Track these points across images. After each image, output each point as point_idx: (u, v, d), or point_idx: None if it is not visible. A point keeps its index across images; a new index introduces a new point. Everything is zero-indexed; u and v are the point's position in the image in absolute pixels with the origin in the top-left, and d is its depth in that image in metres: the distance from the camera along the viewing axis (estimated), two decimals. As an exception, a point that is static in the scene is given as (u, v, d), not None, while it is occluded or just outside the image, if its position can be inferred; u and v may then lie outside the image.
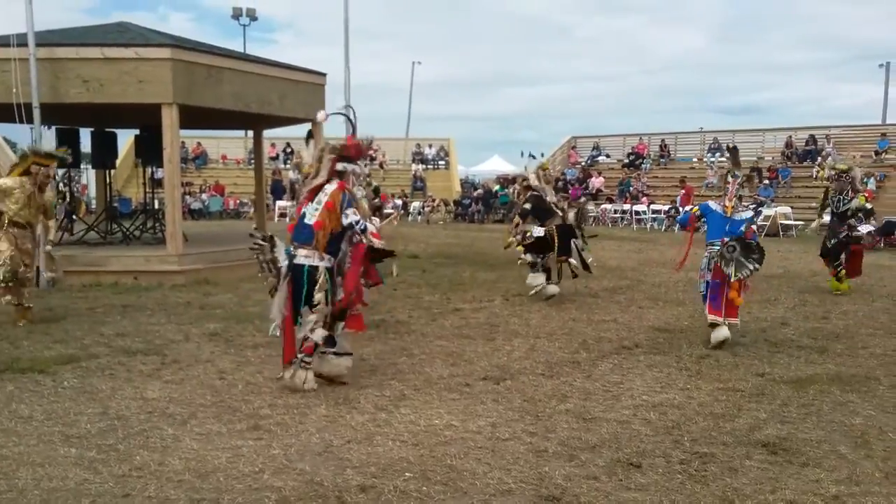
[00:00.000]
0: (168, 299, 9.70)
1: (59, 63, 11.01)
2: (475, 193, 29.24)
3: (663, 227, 24.04)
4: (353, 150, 6.05)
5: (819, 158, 25.99)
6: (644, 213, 25.14)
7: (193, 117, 12.95)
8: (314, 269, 5.70)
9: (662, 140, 30.84)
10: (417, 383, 5.99)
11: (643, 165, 29.88)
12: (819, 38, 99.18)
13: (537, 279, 9.95)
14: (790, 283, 11.21)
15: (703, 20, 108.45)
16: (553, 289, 9.83)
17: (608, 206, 26.81)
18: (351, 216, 5.66)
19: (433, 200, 28.97)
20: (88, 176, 27.18)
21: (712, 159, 28.76)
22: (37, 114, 10.73)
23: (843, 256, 10.51)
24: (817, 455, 4.58)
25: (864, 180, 22.41)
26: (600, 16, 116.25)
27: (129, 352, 6.91)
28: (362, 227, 5.73)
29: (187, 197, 26.81)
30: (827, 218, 11.07)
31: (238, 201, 29.46)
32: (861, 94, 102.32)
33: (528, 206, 9.93)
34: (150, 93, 11.05)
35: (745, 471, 4.33)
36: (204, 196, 29.34)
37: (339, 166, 5.90)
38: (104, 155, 15.04)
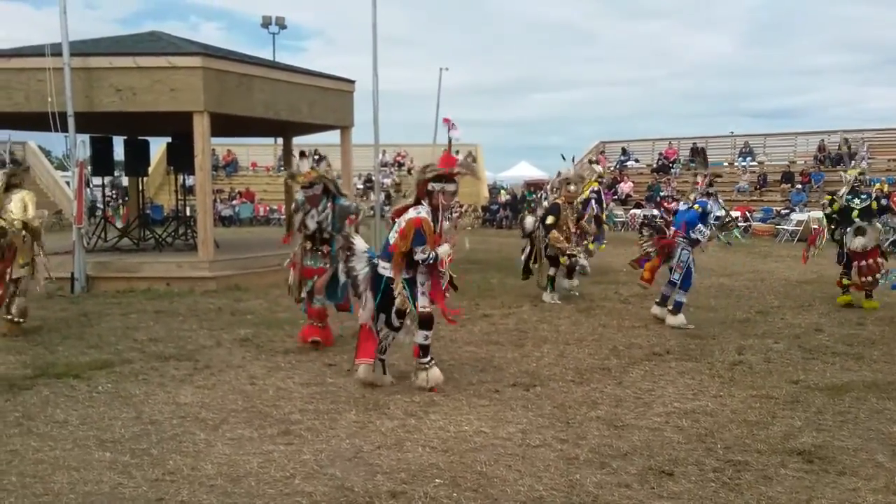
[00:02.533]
0: (199, 305, 9.80)
1: (92, 72, 11.19)
2: (503, 199, 29.20)
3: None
4: (446, 170, 6.00)
5: (853, 162, 25.58)
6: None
7: (224, 125, 13.10)
8: (391, 280, 5.86)
9: (694, 144, 30.55)
10: (447, 389, 5.98)
11: (673, 170, 29.62)
12: (851, 41, 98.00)
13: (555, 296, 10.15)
14: (823, 289, 11.03)
15: (732, 24, 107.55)
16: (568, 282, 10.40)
17: (637, 210, 26.62)
18: (419, 255, 5.77)
19: (461, 206, 28.91)
20: (121, 183, 27.58)
21: (744, 163, 28.47)
22: (71, 122, 10.91)
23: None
24: (854, 463, 4.49)
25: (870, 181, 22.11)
26: (627, 20, 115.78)
27: (162, 357, 6.99)
28: (430, 261, 5.83)
29: (218, 204, 27.10)
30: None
31: (268, 208, 29.71)
32: (894, 96, 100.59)
33: (550, 220, 10.06)
34: (181, 101, 11.20)
35: (779, 479, 4.26)
36: (234, 203, 29.63)
37: (429, 186, 5.92)
38: (137, 163, 15.26)
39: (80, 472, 4.29)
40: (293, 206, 7.52)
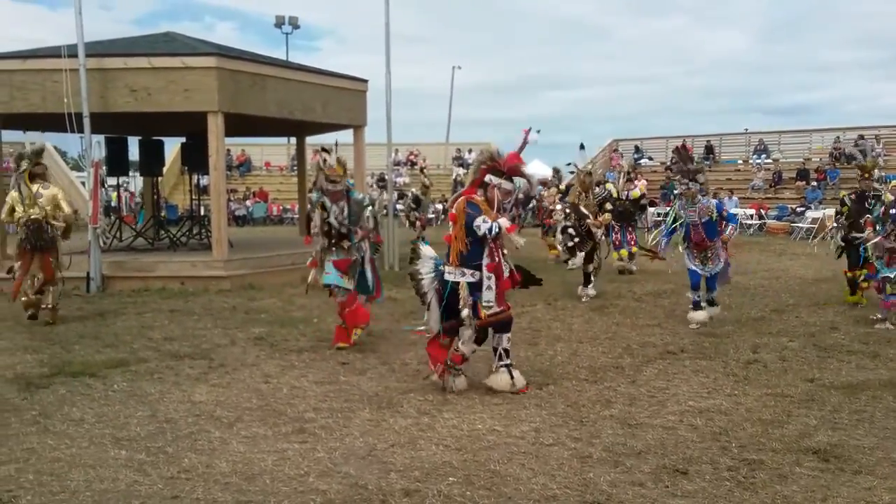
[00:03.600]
0: (214, 304, 9.85)
1: (107, 73, 11.27)
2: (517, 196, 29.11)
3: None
4: (506, 165, 5.81)
5: (868, 159, 25.36)
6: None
7: (238, 125, 13.16)
8: (456, 284, 5.76)
9: (708, 141, 30.37)
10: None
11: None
12: (866, 37, 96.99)
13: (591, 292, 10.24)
14: (839, 287, 10.94)
15: (747, 20, 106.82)
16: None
17: (651, 208, 26.48)
18: (483, 226, 5.56)
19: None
20: (136, 183, 27.78)
21: (758, 161, 28.28)
22: (87, 123, 10.99)
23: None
24: (870, 462, 4.46)
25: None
26: (642, 17, 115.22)
27: (177, 356, 7.04)
28: (495, 231, 5.59)
29: (232, 203, 27.22)
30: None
31: (281, 208, 29.80)
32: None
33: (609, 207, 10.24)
34: (196, 101, 11.25)
35: (795, 478, 4.24)
36: (248, 203, 29.74)
37: (486, 177, 5.81)
38: (151, 163, 15.37)
39: (95, 470, 4.33)
40: (308, 205, 7.53)
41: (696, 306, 8.49)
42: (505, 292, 5.93)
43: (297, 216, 20.47)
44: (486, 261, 5.68)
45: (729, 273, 8.82)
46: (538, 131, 5.86)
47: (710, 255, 8.44)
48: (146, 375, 6.37)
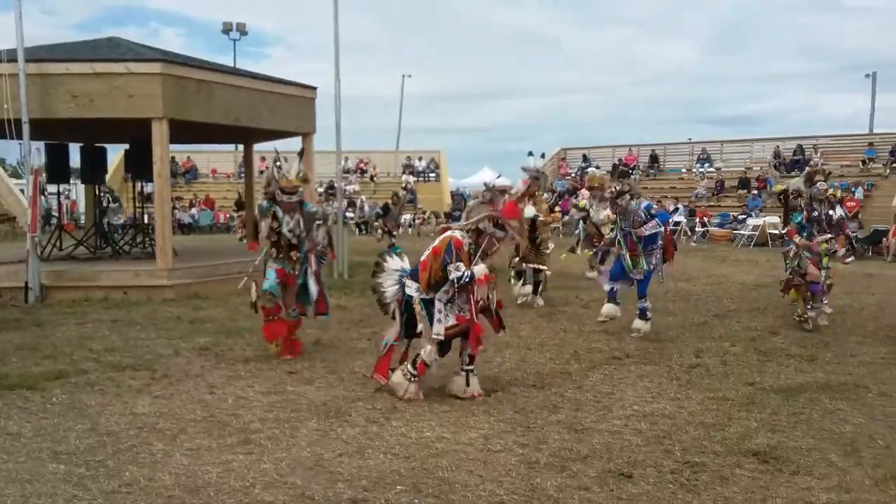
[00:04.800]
0: (158, 314, 9.66)
1: (48, 78, 10.98)
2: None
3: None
4: (504, 215, 5.93)
5: (807, 168, 26.15)
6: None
7: (183, 131, 12.95)
8: (411, 298, 5.85)
9: (652, 151, 30.97)
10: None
11: (632, 176, 29.96)
12: (807, 50, 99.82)
13: (527, 289, 10.24)
14: (779, 293, 11.24)
15: (693, 32, 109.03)
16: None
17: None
18: (453, 273, 5.64)
19: (423, 213, 28.98)
20: (78, 191, 27.12)
21: (701, 170, 28.93)
22: (26, 129, 10.70)
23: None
24: (808, 463, 4.59)
25: (853, 190, 22.61)
26: (591, 27, 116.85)
27: (119, 367, 6.88)
28: (465, 280, 5.66)
29: (177, 211, 26.78)
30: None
31: (228, 215, 29.40)
32: (849, 103, 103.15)
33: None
34: (140, 107, 11.04)
35: (735, 479, 4.34)
36: (194, 210, 29.28)
37: (482, 225, 5.86)
38: (94, 170, 15.00)
39: (33, 485, 4.20)
40: (256, 212, 7.41)
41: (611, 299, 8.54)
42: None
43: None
44: (456, 310, 5.80)
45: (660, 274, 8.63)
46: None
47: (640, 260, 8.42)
48: (86, 387, 6.21)
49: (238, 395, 6.00)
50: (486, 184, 6.21)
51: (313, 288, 7.35)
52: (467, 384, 5.95)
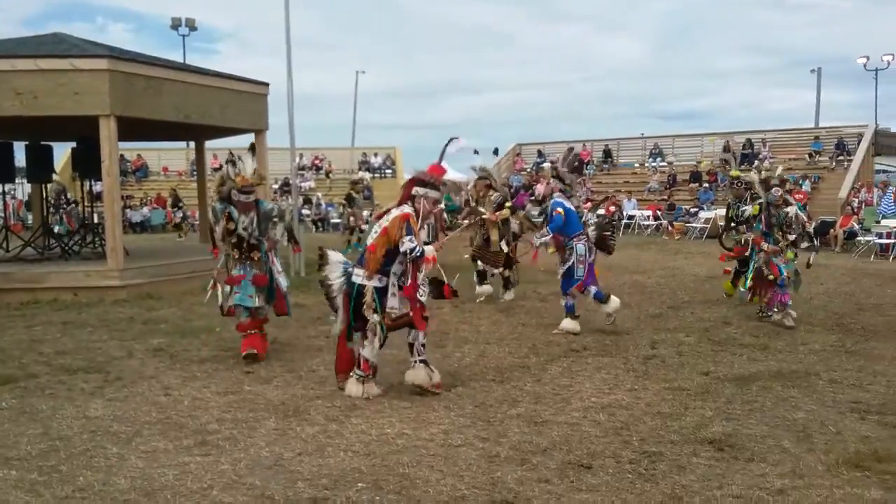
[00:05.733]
0: (110, 315, 9.45)
1: (-10, 75, 10.67)
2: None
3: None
4: (428, 175, 5.91)
5: (756, 161, 26.70)
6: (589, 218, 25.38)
7: (133, 129, 12.69)
8: (362, 287, 5.75)
9: (606, 146, 31.31)
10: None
11: (587, 171, 30.26)
12: (753, 46, 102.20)
13: (486, 289, 10.26)
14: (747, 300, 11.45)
15: (643, 28, 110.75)
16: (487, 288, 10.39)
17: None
18: (407, 244, 5.59)
19: (379, 206, 28.83)
20: (24, 191, 26.43)
21: (654, 164, 29.32)
22: (-32, 127, 10.38)
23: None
24: (762, 450, 4.69)
25: (801, 183, 23.14)
26: (544, 24, 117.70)
27: (70, 370, 6.72)
28: (417, 254, 5.62)
29: (128, 210, 26.25)
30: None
31: (172, 213, 28.89)
32: (794, 98, 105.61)
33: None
34: (86, 104, 10.79)
35: (692, 468, 4.41)
36: (145, 209, 28.73)
37: (413, 190, 5.84)
38: (40, 169, 14.60)
39: (-18, 493, 4.09)
40: (211, 215, 7.19)
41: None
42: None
43: (197, 222, 19.81)
44: (401, 280, 5.75)
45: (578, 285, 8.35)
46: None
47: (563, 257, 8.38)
48: (37, 391, 6.05)
49: (194, 396, 5.91)
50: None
51: (283, 284, 7.28)
52: (431, 371, 5.92)
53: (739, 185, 10.11)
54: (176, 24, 38.42)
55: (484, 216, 10.15)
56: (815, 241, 9.21)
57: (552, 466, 4.44)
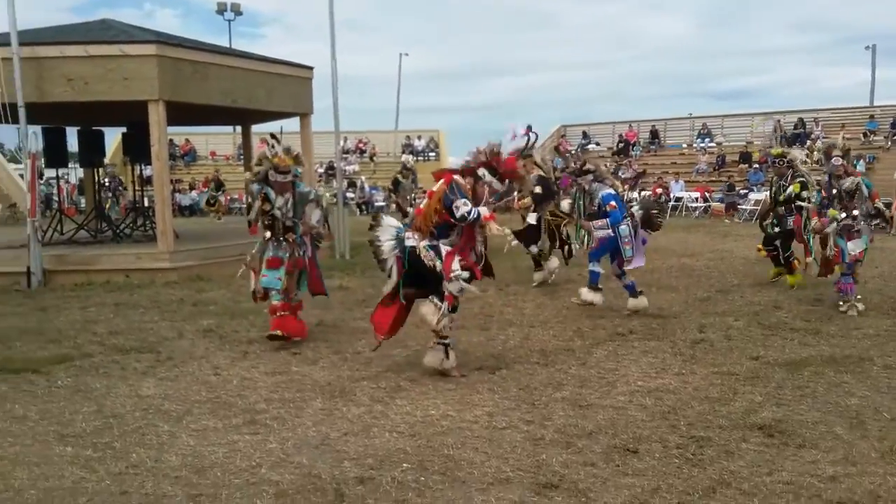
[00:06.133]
0: (160, 296, 9.66)
1: (42, 62, 10.91)
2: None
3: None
4: (502, 165, 5.79)
5: (808, 142, 26.06)
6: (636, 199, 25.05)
7: (181, 114, 12.88)
8: (413, 248, 5.69)
9: (653, 126, 30.83)
10: (413, 374, 5.98)
11: (633, 152, 29.88)
12: (806, 22, 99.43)
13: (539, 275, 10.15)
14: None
15: (690, 6, 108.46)
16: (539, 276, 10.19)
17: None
18: (462, 208, 5.50)
19: (423, 192, 28.89)
20: (77, 175, 27.03)
21: (702, 145, 28.80)
22: (22, 113, 10.63)
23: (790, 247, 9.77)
24: (813, 436, 4.59)
25: (855, 163, 22.49)
26: (587, 3, 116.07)
27: (123, 350, 6.88)
28: (473, 217, 5.55)
29: (177, 194, 26.70)
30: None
31: (229, 197, 29.31)
32: (849, 76, 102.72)
33: (538, 189, 9.91)
34: (135, 90, 10.98)
35: (741, 454, 4.34)
36: (193, 193, 29.21)
37: (480, 171, 5.74)
38: (92, 154, 14.94)
39: (41, 468, 4.21)
40: (248, 196, 7.20)
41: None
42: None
43: (244, 206, 20.09)
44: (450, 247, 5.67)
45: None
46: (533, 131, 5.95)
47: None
48: (91, 370, 6.22)
49: (243, 377, 6.01)
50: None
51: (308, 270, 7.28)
52: (446, 356, 5.88)
53: (781, 163, 9.81)
54: (222, 9, 38.78)
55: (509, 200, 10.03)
56: (886, 220, 8.67)
57: (598, 450, 4.41)
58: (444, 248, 5.67)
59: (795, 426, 4.76)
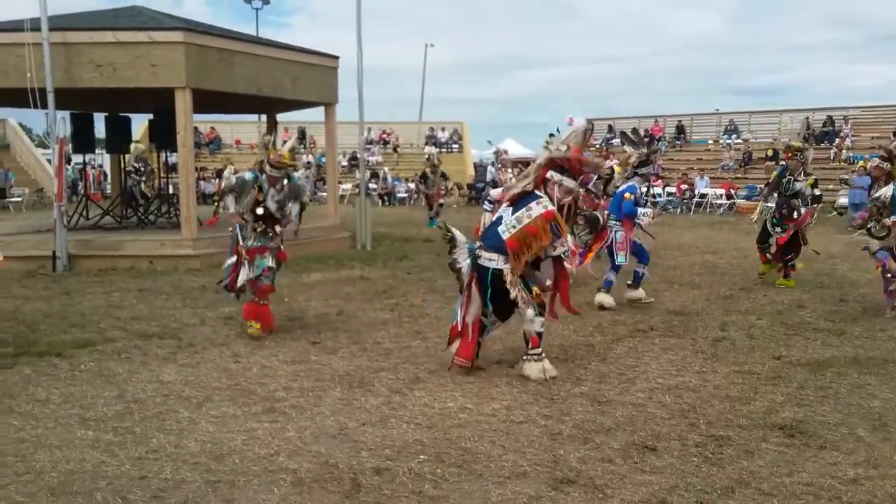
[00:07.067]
0: (183, 283, 9.74)
1: (72, 47, 11.02)
2: (489, 177, 29.12)
3: (678, 210, 23.91)
4: (572, 163, 5.66)
5: (837, 140, 25.72)
6: (659, 195, 24.89)
7: (207, 101, 12.98)
8: (499, 272, 5.51)
9: (679, 122, 30.56)
10: (431, 366, 5.98)
11: (659, 147, 29.61)
12: (836, 19, 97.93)
13: None
14: (806, 266, 11.09)
15: (718, 1, 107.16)
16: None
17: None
18: (559, 248, 5.46)
19: (446, 183, 28.84)
20: (103, 161, 27.31)
21: (728, 141, 28.51)
22: (51, 99, 10.75)
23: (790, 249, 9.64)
24: (835, 438, 4.54)
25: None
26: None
27: (145, 335, 6.95)
28: (567, 255, 5.57)
29: (201, 182, 26.90)
30: (771, 204, 10.00)
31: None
32: (879, 74, 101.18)
33: None
34: (162, 77, 11.06)
35: (761, 454, 4.30)
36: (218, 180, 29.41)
37: (548, 174, 5.62)
38: (118, 139, 15.10)
39: (62, 451, 4.27)
40: (224, 186, 6.88)
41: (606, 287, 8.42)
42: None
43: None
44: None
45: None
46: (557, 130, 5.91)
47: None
48: (113, 355, 6.28)
49: (262, 364, 6.05)
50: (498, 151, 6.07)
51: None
52: (525, 367, 5.74)
53: (800, 158, 9.65)
54: (249, -2, 38.91)
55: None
56: None
57: (616, 446, 4.38)
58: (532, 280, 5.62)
59: (817, 427, 4.71)
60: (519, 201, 5.63)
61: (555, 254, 5.52)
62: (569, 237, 5.60)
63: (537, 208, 5.48)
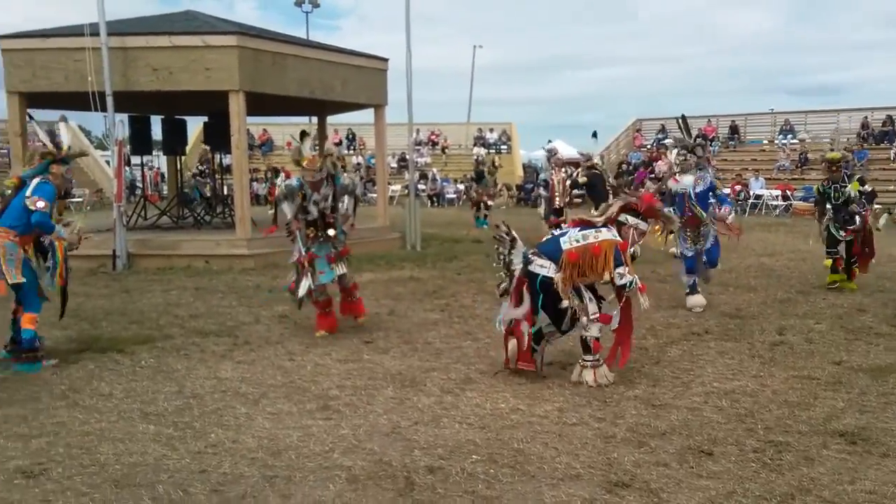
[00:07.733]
0: (238, 282, 9.91)
1: (129, 52, 11.31)
2: (539, 178, 28.99)
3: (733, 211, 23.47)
4: (644, 207, 5.78)
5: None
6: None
7: (259, 104, 13.17)
8: (548, 279, 5.53)
9: (732, 122, 30.01)
10: (483, 367, 5.99)
11: (712, 148, 29.14)
12: (893, 17, 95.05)
13: None
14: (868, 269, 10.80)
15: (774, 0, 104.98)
16: None
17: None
18: (625, 278, 5.48)
19: (495, 185, 28.82)
20: (160, 162, 27.92)
21: (784, 141, 27.91)
22: (110, 102, 11.05)
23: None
24: (899, 445, 4.41)
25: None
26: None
27: (203, 333, 7.09)
28: (629, 287, 5.54)
29: (254, 183, 27.32)
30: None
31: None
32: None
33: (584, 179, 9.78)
34: (216, 80, 11.28)
35: (822, 460, 4.20)
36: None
37: (622, 217, 5.68)
38: (174, 142, 15.46)
39: (125, 444, 4.38)
40: (278, 194, 7.01)
41: (693, 290, 8.35)
42: None
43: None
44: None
45: (715, 259, 8.61)
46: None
47: (701, 233, 8.33)
48: (172, 352, 6.43)
49: (316, 363, 6.12)
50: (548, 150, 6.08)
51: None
52: (581, 374, 5.69)
53: (838, 167, 9.52)
54: (300, 1, 39.38)
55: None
56: None
57: (671, 451, 4.33)
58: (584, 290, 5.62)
59: (879, 434, 4.58)
60: (589, 226, 5.66)
61: (619, 283, 5.50)
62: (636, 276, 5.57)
63: (607, 233, 5.54)
